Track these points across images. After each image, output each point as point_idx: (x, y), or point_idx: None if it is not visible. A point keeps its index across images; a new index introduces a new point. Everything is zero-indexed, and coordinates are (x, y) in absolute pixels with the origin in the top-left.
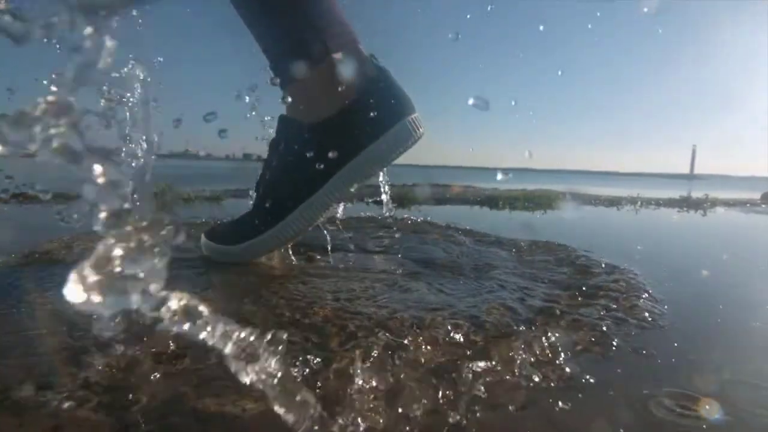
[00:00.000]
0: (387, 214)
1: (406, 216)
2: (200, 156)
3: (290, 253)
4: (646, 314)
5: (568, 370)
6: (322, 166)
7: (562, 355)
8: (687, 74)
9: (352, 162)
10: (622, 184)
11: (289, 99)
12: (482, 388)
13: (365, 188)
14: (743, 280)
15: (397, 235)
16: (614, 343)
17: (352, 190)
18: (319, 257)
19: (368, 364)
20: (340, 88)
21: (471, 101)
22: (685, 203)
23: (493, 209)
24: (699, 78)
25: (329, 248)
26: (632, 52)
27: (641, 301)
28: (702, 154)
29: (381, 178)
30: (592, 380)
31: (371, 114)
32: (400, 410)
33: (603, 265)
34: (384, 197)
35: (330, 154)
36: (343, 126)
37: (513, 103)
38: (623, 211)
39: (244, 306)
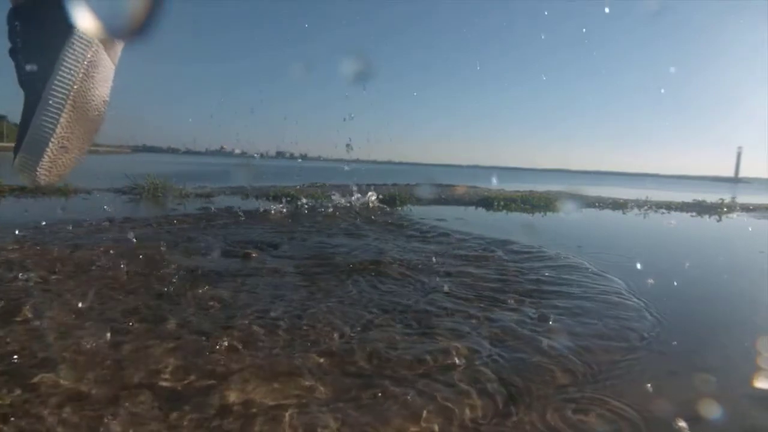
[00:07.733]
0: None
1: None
2: (235, 153)
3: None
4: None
5: None
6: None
7: None
8: (737, 73)
9: None
10: (660, 187)
11: None
12: None
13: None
14: (677, 287)
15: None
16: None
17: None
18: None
19: None
20: None
21: None
22: (697, 207)
23: (489, 210)
24: (748, 76)
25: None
26: (683, 51)
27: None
28: (749, 157)
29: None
30: None
31: None
32: None
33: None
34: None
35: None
36: None
37: (543, 78)
38: (629, 215)
39: None
